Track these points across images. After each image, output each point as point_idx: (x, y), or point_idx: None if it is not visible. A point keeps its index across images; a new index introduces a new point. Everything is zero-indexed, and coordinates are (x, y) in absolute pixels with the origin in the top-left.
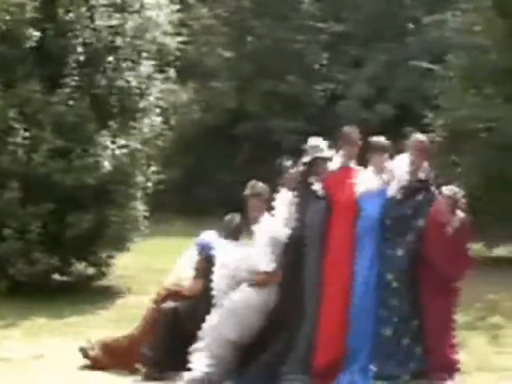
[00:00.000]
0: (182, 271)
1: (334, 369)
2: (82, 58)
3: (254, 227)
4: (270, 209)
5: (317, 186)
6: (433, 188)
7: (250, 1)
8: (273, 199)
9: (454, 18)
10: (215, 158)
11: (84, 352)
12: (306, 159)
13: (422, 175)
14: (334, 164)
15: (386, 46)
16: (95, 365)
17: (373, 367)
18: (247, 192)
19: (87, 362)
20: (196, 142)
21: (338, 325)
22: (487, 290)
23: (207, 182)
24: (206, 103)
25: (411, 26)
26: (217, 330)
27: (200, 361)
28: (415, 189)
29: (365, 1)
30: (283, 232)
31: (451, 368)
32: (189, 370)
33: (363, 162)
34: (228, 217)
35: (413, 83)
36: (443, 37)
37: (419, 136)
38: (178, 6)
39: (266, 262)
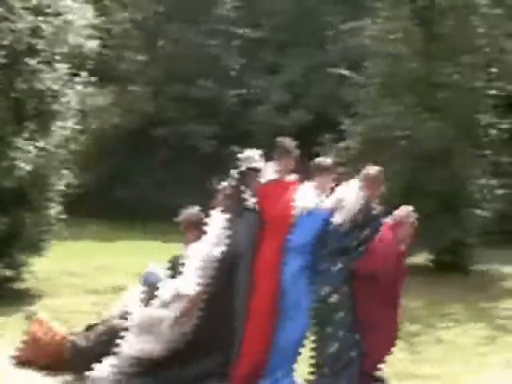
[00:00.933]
0: (127, 307)
1: (254, 378)
2: (0, 60)
3: (188, 252)
4: (203, 232)
5: (249, 199)
6: (382, 220)
7: (164, 5)
8: (205, 223)
9: (372, 26)
10: (134, 162)
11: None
12: (237, 170)
13: (374, 207)
14: (269, 176)
15: (303, 52)
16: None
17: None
18: (181, 225)
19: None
20: (115, 145)
21: (262, 339)
22: (403, 298)
23: (125, 185)
24: (125, 107)
25: (329, 32)
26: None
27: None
28: (365, 223)
29: (282, 6)
30: (215, 252)
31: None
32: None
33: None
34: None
35: (330, 90)
36: (361, 44)
37: (374, 168)
38: (95, 11)
39: (190, 285)
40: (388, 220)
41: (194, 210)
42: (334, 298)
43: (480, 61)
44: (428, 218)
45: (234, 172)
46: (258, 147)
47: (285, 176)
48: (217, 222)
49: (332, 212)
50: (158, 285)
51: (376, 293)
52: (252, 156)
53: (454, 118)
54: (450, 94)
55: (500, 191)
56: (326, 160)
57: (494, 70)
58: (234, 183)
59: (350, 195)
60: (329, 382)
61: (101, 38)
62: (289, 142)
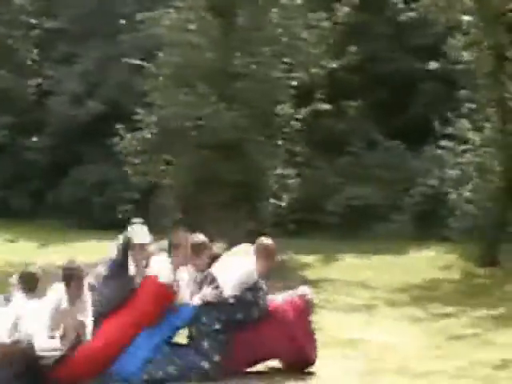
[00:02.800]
0: None
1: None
2: None
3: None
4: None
5: (131, 268)
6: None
7: None
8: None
9: (167, 16)
10: None
11: None
12: (121, 242)
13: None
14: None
15: (99, 43)
16: None
17: None
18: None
19: None
20: None
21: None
22: None
23: None
24: None
25: (124, 22)
26: None
27: None
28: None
29: None
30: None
31: None
32: None
33: None
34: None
35: (124, 80)
36: (156, 34)
37: (265, 241)
38: None
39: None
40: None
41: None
42: None
43: (277, 51)
44: (223, 208)
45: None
46: (52, 137)
47: (178, 268)
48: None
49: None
50: None
51: None
52: (138, 231)
53: (250, 108)
54: (246, 84)
55: (296, 181)
56: (201, 237)
57: (291, 60)
58: (121, 251)
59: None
60: None
61: None
62: (183, 236)
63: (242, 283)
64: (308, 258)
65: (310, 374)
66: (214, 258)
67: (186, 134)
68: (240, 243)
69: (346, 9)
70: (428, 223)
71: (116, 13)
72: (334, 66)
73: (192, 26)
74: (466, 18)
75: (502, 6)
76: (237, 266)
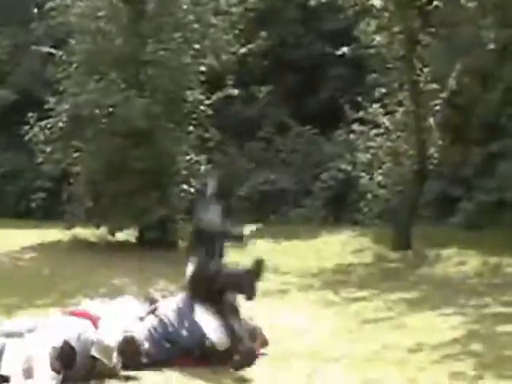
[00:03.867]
0: None
1: None
2: None
3: None
4: None
5: None
6: None
7: None
8: None
9: (77, 3)
10: None
11: None
12: None
13: None
14: None
15: (10, 31)
16: None
17: None
18: None
19: None
20: None
21: None
22: (112, 275)
23: None
24: None
25: (35, 10)
26: None
27: None
28: None
29: None
30: None
31: None
32: None
33: None
34: None
35: (35, 68)
36: (67, 22)
37: None
38: None
39: None
40: None
41: None
42: None
43: (188, 38)
44: (134, 195)
45: None
46: None
47: None
48: None
49: None
50: None
51: None
52: None
53: (161, 95)
54: (157, 71)
55: (207, 166)
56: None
57: (201, 46)
58: None
59: None
60: None
61: None
62: None
63: None
64: None
65: None
66: None
67: (96, 121)
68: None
69: None
70: (340, 208)
71: (28, 1)
72: (245, 51)
73: (102, 13)
74: (378, 2)
75: None
76: None
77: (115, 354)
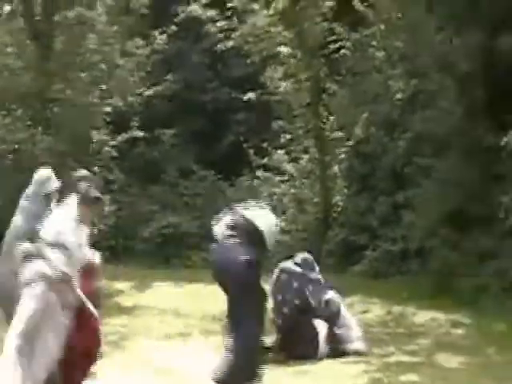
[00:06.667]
0: None
1: None
2: None
3: None
4: None
5: None
6: None
7: None
8: None
9: None
10: None
11: None
12: None
13: None
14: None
15: None
16: None
17: None
18: None
19: None
20: None
21: None
22: None
23: None
24: None
25: None
26: None
27: None
28: None
29: None
30: None
31: None
32: None
33: None
34: None
35: None
36: None
37: None
38: None
39: None
40: None
41: None
42: None
43: (94, 77)
44: None
45: None
46: None
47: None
48: None
49: None
50: None
51: None
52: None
53: (66, 134)
54: (63, 110)
55: (110, 207)
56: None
57: (107, 87)
58: None
59: None
60: None
61: None
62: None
63: None
64: (123, 285)
65: None
66: None
67: (3, 157)
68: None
69: (163, 37)
70: None
71: None
72: (151, 93)
73: (10, 50)
74: (285, 49)
75: (321, 39)
76: None
77: None
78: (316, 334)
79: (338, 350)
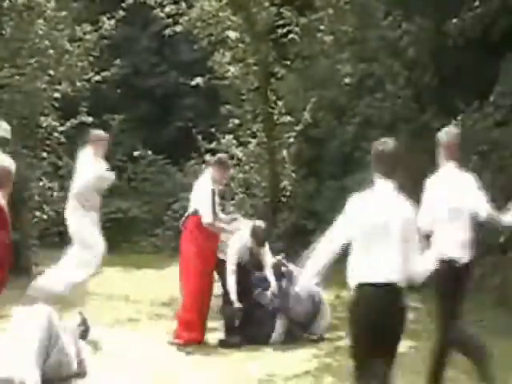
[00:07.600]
0: None
1: None
2: None
3: None
4: None
5: None
6: None
7: None
8: None
9: None
10: None
11: None
12: None
13: None
14: None
15: None
16: None
17: None
18: None
19: None
20: None
21: None
22: None
23: None
24: None
25: None
26: None
27: None
28: None
29: None
30: None
31: None
32: None
33: None
34: None
35: None
36: None
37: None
38: None
39: None
40: None
41: None
42: None
43: (42, 63)
44: None
45: None
46: None
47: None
48: None
49: None
50: None
51: None
52: None
53: (15, 120)
54: (11, 96)
55: (60, 193)
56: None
57: (56, 72)
58: None
59: None
60: None
61: None
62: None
63: None
64: None
65: None
66: None
67: None
68: None
69: (111, 22)
70: None
71: None
72: (99, 78)
73: None
74: (233, 33)
75: (270, 24)
76: None
77: None
78: (270, 318)
79: (291, 334)
